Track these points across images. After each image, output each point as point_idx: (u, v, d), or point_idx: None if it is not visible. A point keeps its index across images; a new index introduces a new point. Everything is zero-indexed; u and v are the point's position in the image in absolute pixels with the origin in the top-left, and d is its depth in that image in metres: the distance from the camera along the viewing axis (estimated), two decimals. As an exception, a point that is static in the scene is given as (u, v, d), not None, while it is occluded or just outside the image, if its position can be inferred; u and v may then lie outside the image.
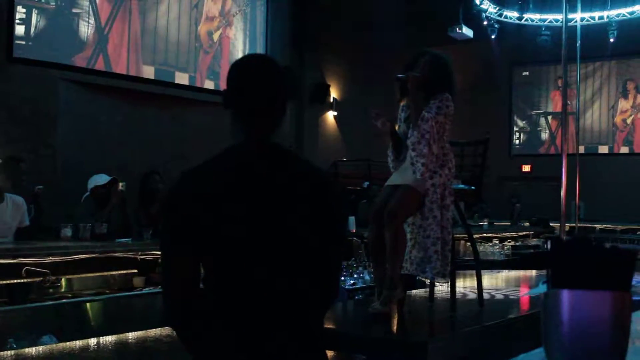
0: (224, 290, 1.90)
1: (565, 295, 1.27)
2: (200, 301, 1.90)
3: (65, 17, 9.92)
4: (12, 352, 4.19)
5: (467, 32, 14.03)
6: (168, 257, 1.92)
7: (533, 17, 14.70)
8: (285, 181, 1.93)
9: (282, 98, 2.04)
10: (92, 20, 10.18)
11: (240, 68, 2.05)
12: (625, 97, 16.94)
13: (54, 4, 9.80)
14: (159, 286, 5.59)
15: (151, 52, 11.14)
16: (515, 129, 18.25)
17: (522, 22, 14.82)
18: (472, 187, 4.56)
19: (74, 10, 10.05)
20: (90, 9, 10.19)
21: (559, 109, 17.13)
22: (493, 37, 14.94)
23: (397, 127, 4.42)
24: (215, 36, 12.39)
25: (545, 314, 1.30)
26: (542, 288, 1.50)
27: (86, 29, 10.12)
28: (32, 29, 9.41)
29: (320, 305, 2.02)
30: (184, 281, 1.90)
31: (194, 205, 1.86)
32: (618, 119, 17.02)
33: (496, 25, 14.84)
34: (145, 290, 5.51)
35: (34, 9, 9.48)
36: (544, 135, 18.01)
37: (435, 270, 4.08)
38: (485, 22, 14.55)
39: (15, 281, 4.93)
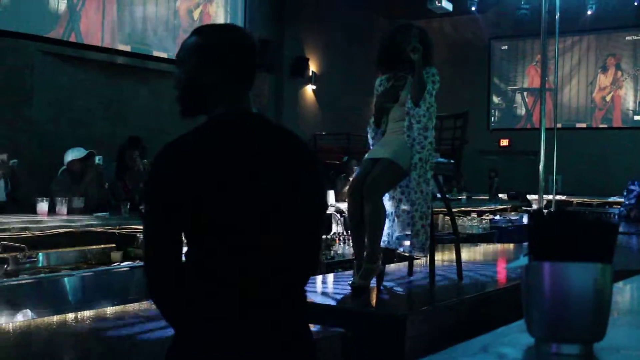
0: (207, 263, 1.89)
1: (547, 267, 1.26)
2: (181, 275, 1.89)
3: None
4: (-11, 327, 4.16)
5: (447, 5, 13.98)
6: (150, 229, 1.90)
7: (512, -9, 14.70)
8: (268, 149, 1.93)
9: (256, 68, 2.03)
10: None
11: (210, 39, 2.02)
12: (605, 72, 16.81)
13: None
14: (137, 260, 5.58)
15: (127, 30, 10.68)
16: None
17: (502, -5, 14.82)
18: (451, 161, 4.56)
19: None
20: None
21: (535, 84, 17.10)
22: (473, 9, 14.92)
23: (374, 100, 4.43)
24: (196, 14, 11.90)
25: (527, 286, 1.30)
26: (523, 260, 1.49)
27: (56, 4, 9.60)
28: (-2, 4, 8.99)
29: (303, 275, 2.02)
30: (166, 254, 1.88)
31: (176, 176, 1.84)
32: (597, 96, 16.85)
33: (475, -1, 14.83)
34: (123, 265, 5.48)
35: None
36: (520, 112, 17.90)
37: (421, 244, 4.11)
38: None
39: (-9, 256, 4.89)
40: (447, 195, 5.76)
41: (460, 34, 16.52)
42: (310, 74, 14.70)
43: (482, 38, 17.11)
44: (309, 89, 14.88)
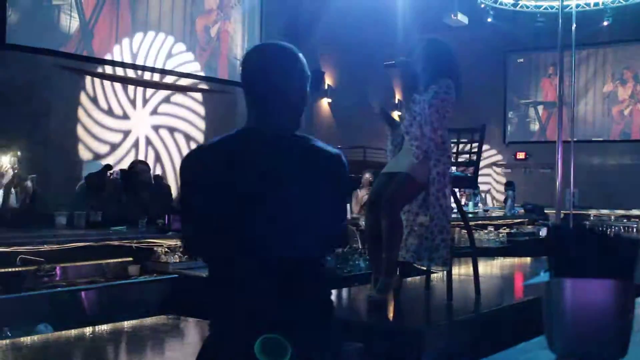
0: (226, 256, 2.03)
1: (568, 284, 1.26)
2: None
3: (44, 9, 9.24)
4: (8, 341, 4.18)
5: (462, 18, 13.99)
6: (183, 207, 2.17)
7: (528, 4, 14.67)
8: (279, 158, 2.01)
9: (297, 86, 2.09)
10: (74, 14, 9.48)
11: (254, 56, 2.13)
12: (624, 85, 16.49)
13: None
14: (155, 274, 5.61)
15: (142, 47, 10.46)
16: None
17: (517, 8, 14.80)
18: (468, 175, 4.55)
19: (55, 2, 9.32)
20: (73, 0, 9.47)
21: (549, 98, 16.96)
22: (489, 20, 14.92)
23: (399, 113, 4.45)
24: (213, 31, 11.66)
25: (548, 302, 1.29)
26: (544, 277, 1.49)
27: (68, 22, 9.43)
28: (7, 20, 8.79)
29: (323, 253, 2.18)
30: (197, 224, 2.08)
31: (198, 172, 2.06)
32: (615, 111, 16.45)
33: (491, 12, 14.82)
34: (141, 279, 5.49)
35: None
36: (534, 127, 17.65)
37: (442, 258, 4.09)
38: (482, 6, 14.55)
39: (10, 270, 4.91)
40: (463, 208, 5.75)
41: (475, 47, 16.47)
42: (326, 87, 14.72)
43: (498, 51, 17.07)
44: (325, 103, 14.89)
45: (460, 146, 4.62)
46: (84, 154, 9.42)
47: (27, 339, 4.19)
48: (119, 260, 5.73)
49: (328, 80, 14.73)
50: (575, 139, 12.46)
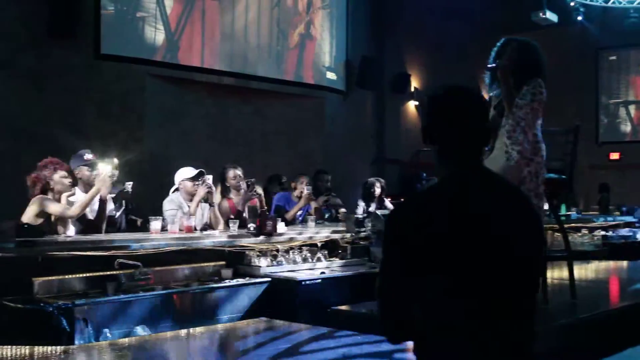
0: (440, 309, 1.96)
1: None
2: (411, 317, 1.98)
3: (128, 22, 9.38)
4: (108, 342, 4.32)
5: (552, 17, 13.70)
6: (384, 272, 2.02)
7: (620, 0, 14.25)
8: (496, 205, 2.01)
9: (488, 124, 2.20)
10: (159, 25, 9.58)
11: (445, 101, 2.12)
12: None
13: (112, 8, 9.17)
14: (247, 277, 5.68)
15: (228, 57, 10.58)
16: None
17: (609, 4, 14.38)
18: (563, 177, 4.45)
19: (139, 15, 9.45)
20: (158, 11, 9.55)
21: (641, 97, 16.33)
22: (579, 19, 14.55)
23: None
24: (300, 38, 11.66)
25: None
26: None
27: (153, 34, 9.54)
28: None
29: (524, 319, 2.07)
30: (397, 297, 1.99)
31: (410, 228, 1.95)
32: None
33: (581, 9, 14.46)
34: (233, 282, 5.57)
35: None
36: (625, 128, 17.01)
37: None
38: (572, 4, 14.21)
39: (108, 273, 5.05)
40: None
41: (565, 45, 16.07)
42: (412, 89, 14.63)
43: (589, 49, 16.60)
44: (411, 105, 14.81)
45: (554, 147, 4.53)
46: (177, 160, 9.63)
47: (125, 340, 4.32)
48: (212, 264, 5.81)
49: (414, 83, 14.65)
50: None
